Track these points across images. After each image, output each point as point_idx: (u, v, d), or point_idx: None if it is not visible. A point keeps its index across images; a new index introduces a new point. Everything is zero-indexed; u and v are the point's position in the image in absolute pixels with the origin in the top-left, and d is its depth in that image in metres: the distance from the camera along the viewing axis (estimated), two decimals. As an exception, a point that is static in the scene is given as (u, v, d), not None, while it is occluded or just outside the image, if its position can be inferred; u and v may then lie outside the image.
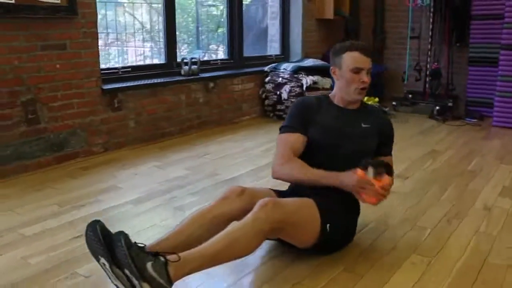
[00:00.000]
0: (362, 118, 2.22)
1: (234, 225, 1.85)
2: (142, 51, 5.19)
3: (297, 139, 2.18)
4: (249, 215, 1.80)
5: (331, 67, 2.22)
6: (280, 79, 5.07)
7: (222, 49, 5.32)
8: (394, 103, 5.81)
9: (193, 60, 4.45)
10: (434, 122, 5.29)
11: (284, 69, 5.09)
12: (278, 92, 5.08)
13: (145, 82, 3.92)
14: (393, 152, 2.41)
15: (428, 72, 5.73)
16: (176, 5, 4.32)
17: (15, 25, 2.99)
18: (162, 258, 1.57)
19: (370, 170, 1.98)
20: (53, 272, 2.02)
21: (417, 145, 4.28)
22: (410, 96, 5.86)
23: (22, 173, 3.17)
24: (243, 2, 5.15)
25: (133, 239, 2.23)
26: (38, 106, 3.20)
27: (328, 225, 2.01)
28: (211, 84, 4.58)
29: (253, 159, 3.69)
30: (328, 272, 2.04)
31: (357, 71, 2.12)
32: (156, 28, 4.84)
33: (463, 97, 5.75)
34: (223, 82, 4.75)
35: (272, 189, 2.26)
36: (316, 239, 2.01)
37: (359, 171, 1.99)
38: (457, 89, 5.78)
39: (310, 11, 5.74)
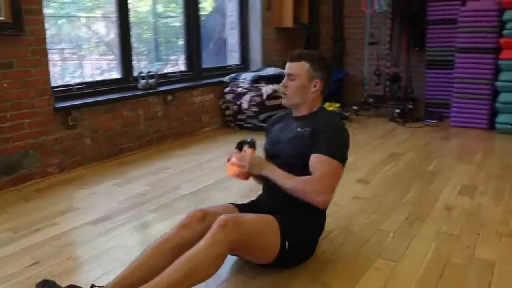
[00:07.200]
0: (301, 124, 2.15)
1: (190, 250, 1.72)
2: (100, 66, 5.05)
3: None
4: (208, 237, 1.72)
5: None
6: (240, 89, 5.04)
7: (182, 61, 5.25)
8: (355, 107, 5.87)
9: (150, 73, 4.37)
10: (395, 125, 5.37)
11: (244, 79, 5.07)
12: (238, 102, 5.05)
13: (100, 98, 3.81)
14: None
15: (387, 77, 5.82)
16: (134, 17, 4.23)
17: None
18: None
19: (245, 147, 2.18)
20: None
21: (378, 149, 4.31)
22: (371, 100, 5.93)
23: (-28, 199, 3.03)
24: (202, 13, 5.10)
25: (95, 260, 2.16)
26: (-14, 128, 3.06)
27: (287, 243, 1.97)
28: (170, 97, 4.50)
29: (214, 172, 3.63)
30: (294, 284, 2.00)
31: (283, 77, 2.17)
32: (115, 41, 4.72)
33: (422, 99, 5.86)
34: (182, 95, 4.69)
35: (232, 204, 2.20)
36: (275, 256, 1.97)
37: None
38: (416, 91, 5.89)
39: (270, 20, 5.75)
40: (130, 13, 4.19)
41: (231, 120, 5.21)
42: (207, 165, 3.82)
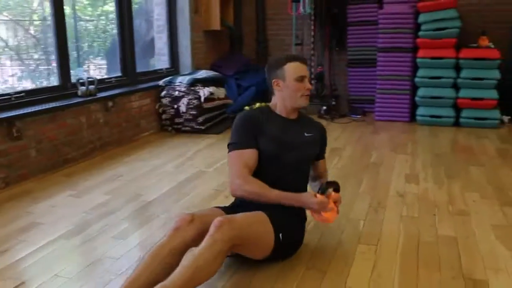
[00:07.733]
0: (304, 128, 2.31)
1: (193, 252, 1.82)
2: (13, 73, 4.74)
3: (250, 155, 2.18)
4: (207, 238, 1.82)
5: (272, 80, 2.27)
6: (177, 92, 5.04)
7: (98, 65, 5.11)
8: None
9: (90, 79, 4.23)
10: (324, 121, 5.67)
11: (180, 82, 5.07)
12: (175, 106, 5.05)
13: (43, 107, 3.63)
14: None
15: (312, 76, 6.13)
16: (50, 21, 4.01)
17: None
18: None
19: (330, 191, 2.15)
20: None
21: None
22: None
23: None
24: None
25: (87, 275, 2.12)
26: None
27: (280, 234, 2.10)
28: (110, 103, 4.40)
29: (169, 176, 3.64)
30: (294, 274, 2.13)
31: (301, 79, 2.22)
32: (24, 46, 4.46)
33: (344, 96, 6.26)
34: (121, 100, 4.59)
35: (217, 207, 2.26)
36: (271, 249, 2.09)
37: (318, 195, 2.12)
38: (339, 89, 6.27)
39: (197, 23, 5.79)
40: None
41: (168, 124, 5.19)
42: (159, 171, 3.80)
